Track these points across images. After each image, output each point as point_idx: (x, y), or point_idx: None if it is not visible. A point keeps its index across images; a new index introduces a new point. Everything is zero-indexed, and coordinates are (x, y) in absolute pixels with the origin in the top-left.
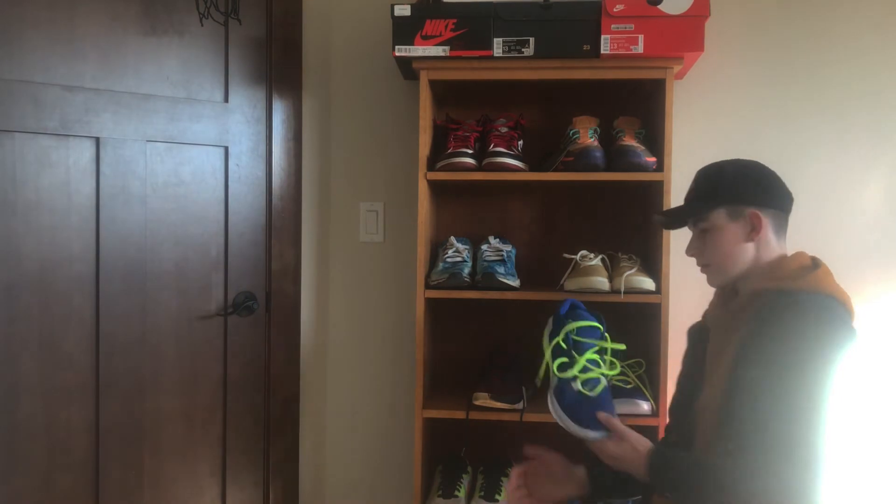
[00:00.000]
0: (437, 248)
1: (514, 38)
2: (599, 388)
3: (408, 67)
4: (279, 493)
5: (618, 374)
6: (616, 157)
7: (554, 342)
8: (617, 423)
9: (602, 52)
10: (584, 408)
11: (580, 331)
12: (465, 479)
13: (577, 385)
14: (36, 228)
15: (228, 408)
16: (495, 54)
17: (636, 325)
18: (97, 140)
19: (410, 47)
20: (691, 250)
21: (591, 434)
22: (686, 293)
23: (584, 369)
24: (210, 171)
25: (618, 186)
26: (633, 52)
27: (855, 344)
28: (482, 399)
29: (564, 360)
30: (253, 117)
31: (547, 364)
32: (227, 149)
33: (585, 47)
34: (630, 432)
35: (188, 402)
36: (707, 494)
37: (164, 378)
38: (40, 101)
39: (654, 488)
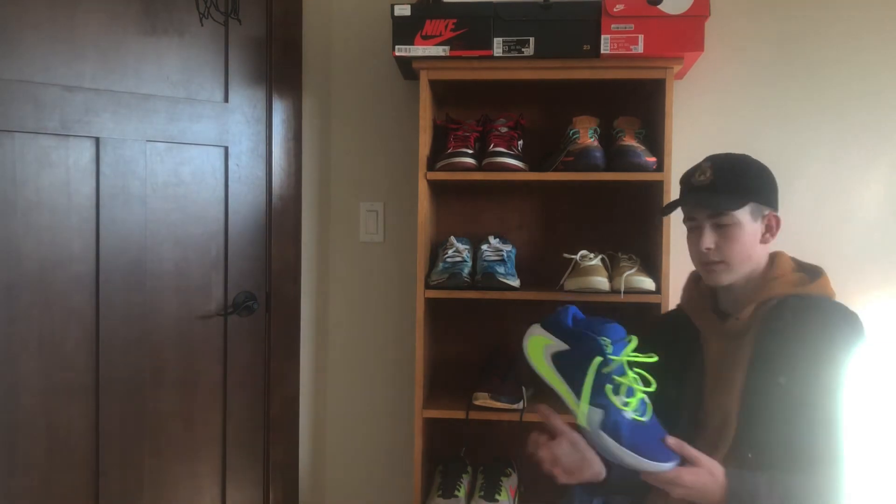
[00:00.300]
0: (437, 248)
1: (514, 38)
2: (650, 411)
3: (408, 67)
4: (279, 493)
5: (653, 391)
6: (616, 157)
7: (594, 367)
8: (689, 447)
9: (602, 52)
10: (646, 438)
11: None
12: (465, 479)
13: (630, 413)
14: (36, 228)
15: (228, 408)
16: (495, 54)
17: (636, 325)
18: (97, 140)
19: (410, 47)
20: (708, 244)
21: (664, 466)
22: None
23: (629, 391)
24: (210, 171)
25: (618, 186)
26: (633, 52)
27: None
28: (482, 399)
29: (610, 385)
30: (253, 117)
31: (566, 393)
32: (227, 149)
33: (585, 47)
34: (703, 455)
35: (188, 402)
36: None
37: (164, 378)
38: (40, 101)
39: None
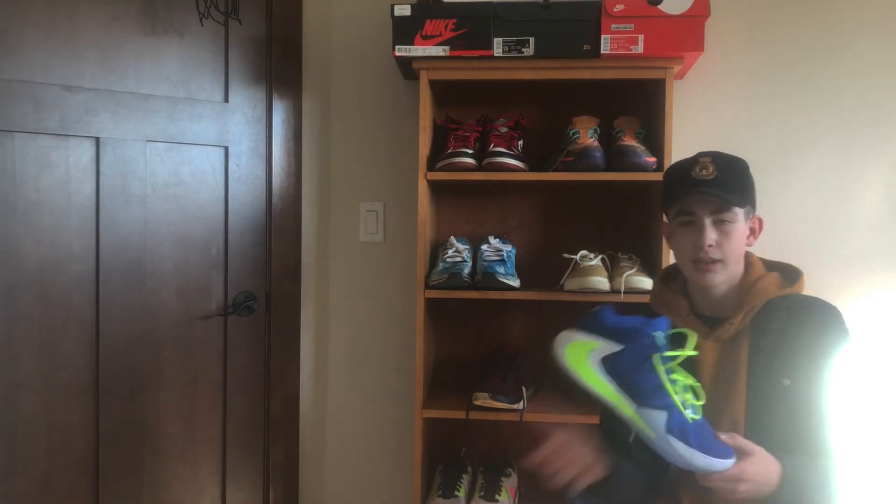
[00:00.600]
0: (437, 248)
1: (514, 38)
2: (700, 408)
3: (408, 67)
4: (279, 493)
5: (697, 385)
6: (616, 157)
7: (659, 365)
8: (740, 437)
9: (602, 52)
10: (708, 436)
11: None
12: (465, 479)
13: (689, 412)
14: (36, 228)
15: (228, 408)
16: (495, 54)
17: None
18: (97, 140)
19: (410, 47)
20: (711, 240)
21: (729, 462)
22: None
23: (684, 389)
24: (210, 171)
25: (618, 186)
26: (633, 52)
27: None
28: (482, 399)
29: (670, 385)
30: (253, 117)
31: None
32: (227, 149)
33: (585, 47)
34: (753, 444)
35: (188, 402)
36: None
37: (164, 378)
38: (40, 101)
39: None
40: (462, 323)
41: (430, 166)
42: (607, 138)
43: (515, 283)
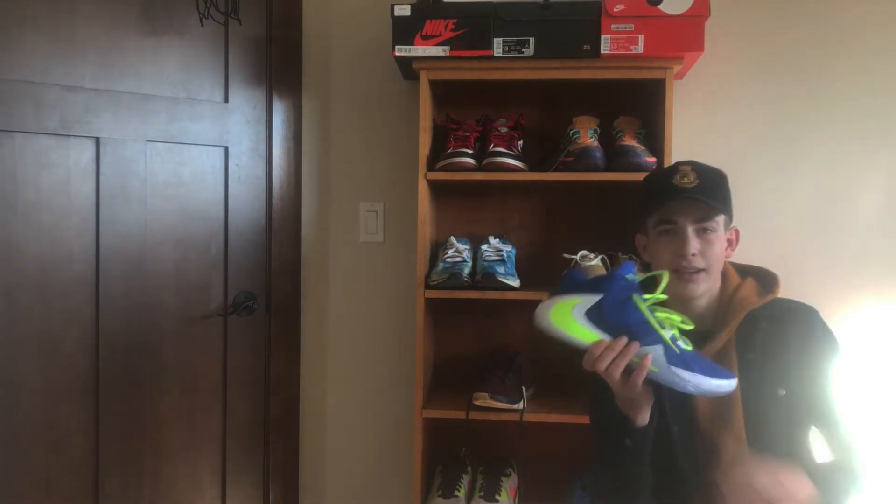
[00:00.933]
0: (437, 248)
1: (514, 38)
2: (688, 340)
3: (408, 67)
4: (279, 493)
5: (691, 328)
6: (616, 157)
7: (639, 302)
8: (783, 468)
9: (602, 52)
10: (705, 361)
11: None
12: (465, 479)
13: (682, 343)
14: (36, 228)
15: (228, 408)
16: (495, 54)
17: None
18: (97, 140)
19: (410, 47)
20: (694, 249)
21: (733, 381)
22: None
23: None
24: (210, 171)
25: (618, 186)
26: (633, 52)
27: None
28: (482, 399)
29: (655, 321)
30: (253, 117)
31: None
32: (227, 149)
33: (585, 47)
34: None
35: (188, 401)
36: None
37: (164, 378)
38: (40, 101)
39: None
40: (462, 323)
41: (430, 166)
42: (607, 138)
43: (515, 283)
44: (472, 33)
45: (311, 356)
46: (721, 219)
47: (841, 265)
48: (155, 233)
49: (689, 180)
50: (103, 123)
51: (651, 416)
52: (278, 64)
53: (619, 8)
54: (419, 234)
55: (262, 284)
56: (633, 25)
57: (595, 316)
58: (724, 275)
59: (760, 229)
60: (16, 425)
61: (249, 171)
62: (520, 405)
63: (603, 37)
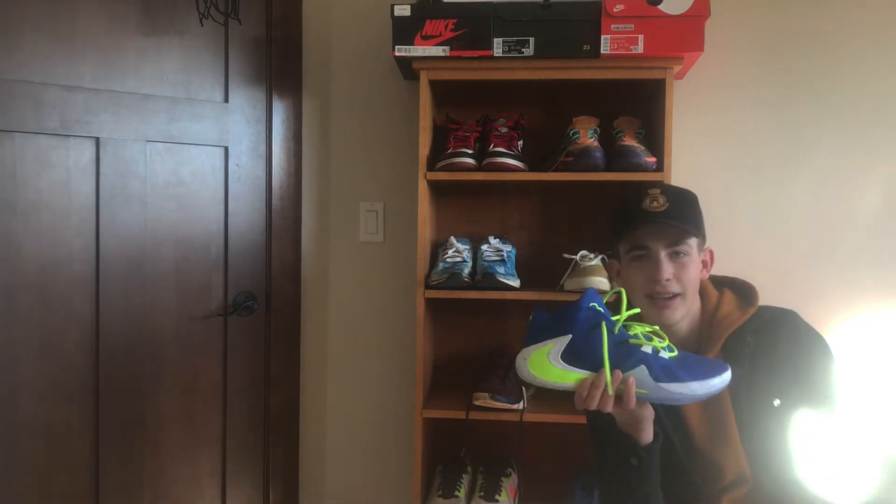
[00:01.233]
0: (437, 248)
1: (514, 38)
2: (671, 345)
3: (408, 67)
4: (279, 493)
5: (656, 328)
6: (616, 157)
7: (604, 331)
8: None
9: (602, 52)
10: (693, 365)
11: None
12: (465, 479)
13: (665, 353)
14: (36, 228)
15: (228, 408)
16: (495, 54)
17: None
18: (97, 140)
19: (410, 47)
20: (668, 274)
21: (726, 375)
22: None
23: (647, 337)
24: (210, 171)
25: (618, 186)
26: (633, 52)
27: None
28: (482, 399)
29: (632, 340)
30: (253, 117)
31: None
32: (226, 149)
33: (585, 47)
34: None
35: (188, 402)
36: None
37: (164, 378)
38: (40, 101)
39: None
40: (462, 323)
41: (430, 166)
42: (607, 138)
43: (515, 283)
44: (472, 33)
45: (311, 356)
46: (694, 241)
47: (841, 265)
48: (155, 233)
49: (659, 203)
50: (103, 123)
51: (655, 434)
52: (278, 64)
53: (619, 8)
54: (419, 234)
55: (262, 284)
56: (633, 25)
57: (571, 356)
58: (702, 292)
59: (760, 229)
60: (16, 425)
61: (249, 171)
62: (520, 405)
63: (603, 37)
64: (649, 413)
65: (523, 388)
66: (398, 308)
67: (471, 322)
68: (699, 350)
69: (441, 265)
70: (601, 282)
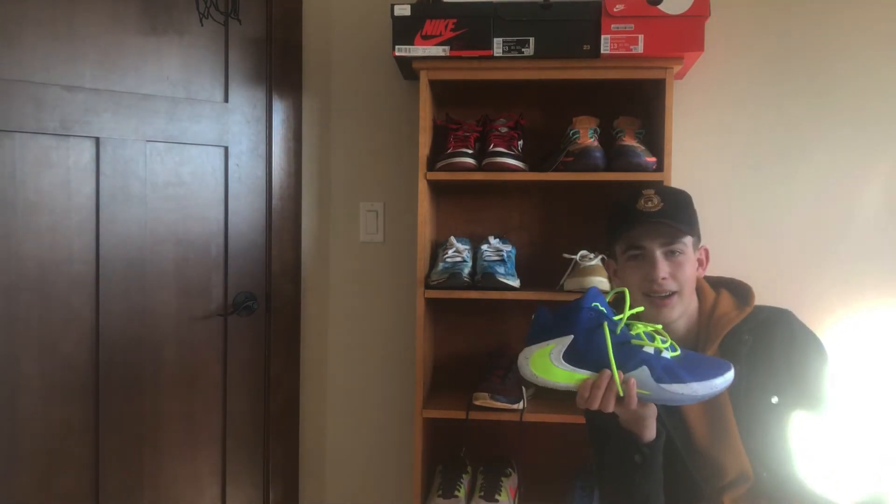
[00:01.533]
0: (437, 248)
1: (514, 38)
2: (674, 343)
3: (408, 67)
4: (279, 493)
5: (658, 327)
6: (616, 157)
7: (606, 331)
8: None
9: (602, 52)
10: (695, 364)
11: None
12: (465, 479)
13: (668, 353)
14: (36, 228)
15: (228, 408)
16: (495, 54)
17: None
18: (97, 140)
19: (410, 47)
20: (664, 273)
21: (729, 374)
22: None
23: (649, 338)
24: (210, 171)
25: (618, 186)
26: (633, 52)
27: None
28: (482, 399)
29: (635, 341)
30: (253, 117)
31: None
32: (226, 149)
33: (585, 47)
34: None
35: (188, 402)
36: None
37: (163, 378)
38: (40, 101)
39: None
40: (462, 323)
41: (430, 166)
42: (607, 138)
43: (515, 283)
44: (472, 33)
45: (311, 356)
46: (689, 240)
47: (841, 265)
48: (155, 233)
49: (653, 204)
50: (103, 123)
51: (658, 431)
52: (278, 64)
53: (619, 8)
54: (419, 234)
55: (262, 284)
56: (633, 25)
57: (573, 356)
58: (699, 291)
59: (760, 228)
60: (16, 425)
61: (249, 171)
62: (520, 405)
63: (603, 37)
64: (652, 411)
65: (523, 388)
66: (398, 308)
67: (471, 322)
68: (697, 349)
69: (441, 265)
70: (601, 282)
